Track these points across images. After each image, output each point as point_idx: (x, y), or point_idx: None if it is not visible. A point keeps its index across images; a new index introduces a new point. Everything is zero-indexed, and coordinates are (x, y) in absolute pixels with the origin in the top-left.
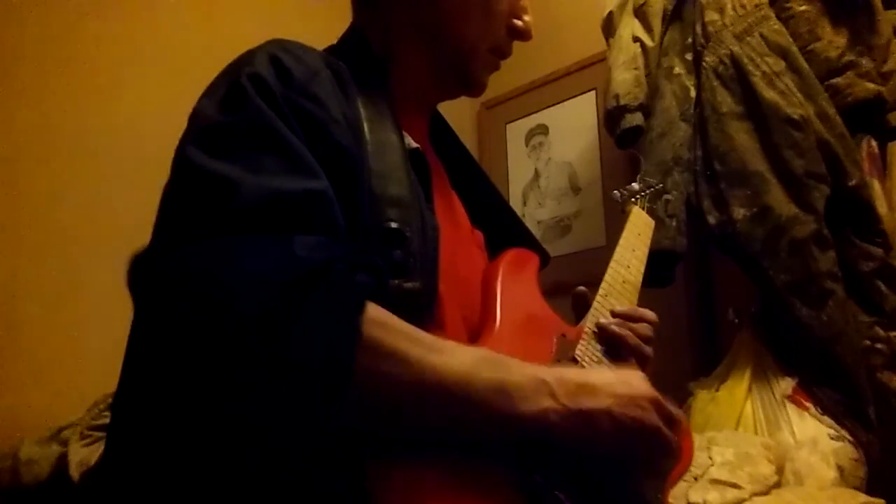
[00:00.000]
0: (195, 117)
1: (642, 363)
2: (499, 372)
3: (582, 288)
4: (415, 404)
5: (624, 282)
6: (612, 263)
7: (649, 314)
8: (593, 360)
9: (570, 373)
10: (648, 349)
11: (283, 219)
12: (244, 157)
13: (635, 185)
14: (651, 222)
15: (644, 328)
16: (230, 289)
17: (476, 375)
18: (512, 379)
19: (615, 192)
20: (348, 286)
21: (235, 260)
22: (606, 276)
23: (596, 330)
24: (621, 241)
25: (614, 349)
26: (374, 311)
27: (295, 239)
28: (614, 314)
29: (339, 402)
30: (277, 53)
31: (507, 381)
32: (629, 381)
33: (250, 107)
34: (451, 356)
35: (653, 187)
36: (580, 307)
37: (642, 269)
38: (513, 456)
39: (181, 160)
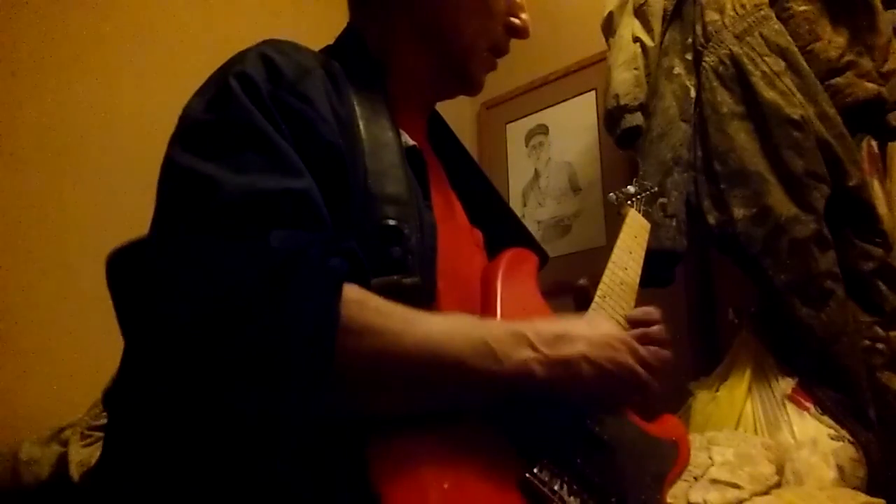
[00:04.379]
0: (183, 117)
1: (658, 371)
2: (478, 330)
3: (584, 281)
4: (400, 375)
5: (622, 283)
6: (609, 265)
7: (655, 313)
8: None
9: (545, 324)
10: (665, 354)
11: (263, 218)
12: (226, 156)
13: (631, 188)
14: (647, 225)
15: (660, 332)
16: (206, 287)
17: (455, 336)
18: (491, 335)
19: (611, 194)
20: (322, 271)
21: (211, 259)
22: (604, 278)
23: None
24: (618, 244)
25: None
26: (350, 291)
27: (272, 233)
28: (630, 321)
29: (325, 384)
30: (269, 53)
31: (487, 337)
32: (599, 326)
33: (235, 106)
34: (429, 323)
35: (648, 190)
36: (581, 302)
37: (639, 270)
38: (505, 426)
39: (167, 160)
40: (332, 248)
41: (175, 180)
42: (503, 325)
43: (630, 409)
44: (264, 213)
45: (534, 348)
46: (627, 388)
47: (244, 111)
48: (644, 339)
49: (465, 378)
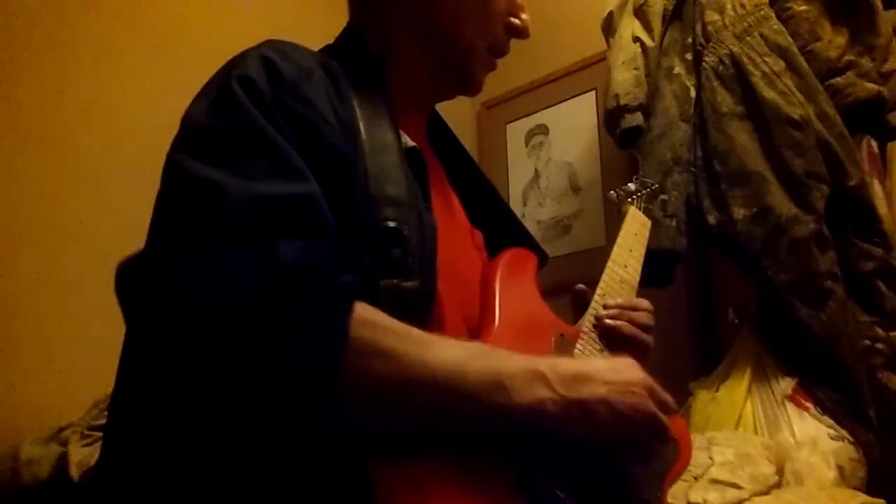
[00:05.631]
0: (186, 121)
1: (642, 352)
2: (492, 363)
3: (581, 286)
4: (408, 400)
5: (621, 281)
6: (609, 263)
7: (644, 302)
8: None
9: (564, 362)
10: (647, 337)
11: (270, 224)
12: (232, 162)
13: (632, 186)
14: (647, 222)
15: (643, 316)
16: (217, 297)
17: (468, 367)
18: (506, 370)
19: (611, 192)
20: (334, 288)
21: (221, 267)
22: (604, 276)
23: (594, 325)
24: (618, 241)
25: (612, 344)
26: (362, 310)
27: (280, 243)
28: (607, 306)
29: (329, 403)
30: (269, 55)
31: (501, 372)
32: (621, 369)
33: (239, 110)
34: (441, 350)
35: (649, 188)
36: (579, 305)
37: (639, 268)
38: (511, 450)
39: (170, 165)
40: (343, 262)
41: (179, 185)
42: (520, 359)
43: None
44: (271, 219)
45: (549, 387)
46: (646, 434)
47: (247, 115)
48: (624, 316)
49: (475, 411)
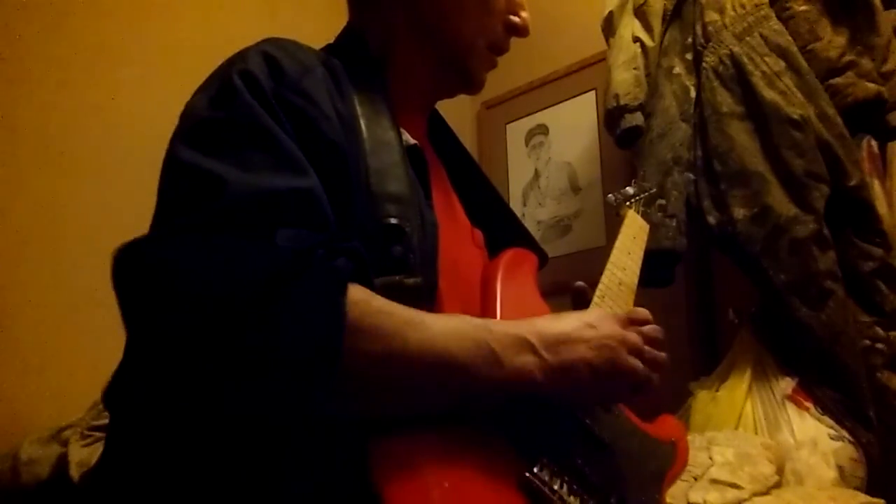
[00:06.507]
0: (186, 114)
1: (657, 370)
2: (480, 332)
3: (581, 283)
4: (402, 377)
5: (620, 284)
6: (608, 266)
7: (646, 313)
8: None
9: (547, 325)
10: (662, 356)
11: (268, 217)
12: (232, 154)
13: (630, 189)
14: (646, 226)
15: (656, 331)
16: (214, 285)
17: (458, 338)
18: (494, 338)
19: (610, 195)
20: (329, 271)
21: (219, 257)
22: (602, 279)
23: None
24: (616, 244)
25: None
26: (355, 291)
27: (277, 232)
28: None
29: (329, 385)
30: (270, 51)
31: (490, 340)
32: (596, 324)
33: (239, 103)
34: (432, 324)
35: (647, 191)
36: (579, 303)
37: (638, 271)
38: (507, 436)
39: (170, 156)
40: (337, 247)
41: (179, 177)
42: (506, 326)
43: (630, 409)
44: (270, 211)
45: (535, 353)
46: (626, 388)
47: (248, 109)
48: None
49: (467, 380)
